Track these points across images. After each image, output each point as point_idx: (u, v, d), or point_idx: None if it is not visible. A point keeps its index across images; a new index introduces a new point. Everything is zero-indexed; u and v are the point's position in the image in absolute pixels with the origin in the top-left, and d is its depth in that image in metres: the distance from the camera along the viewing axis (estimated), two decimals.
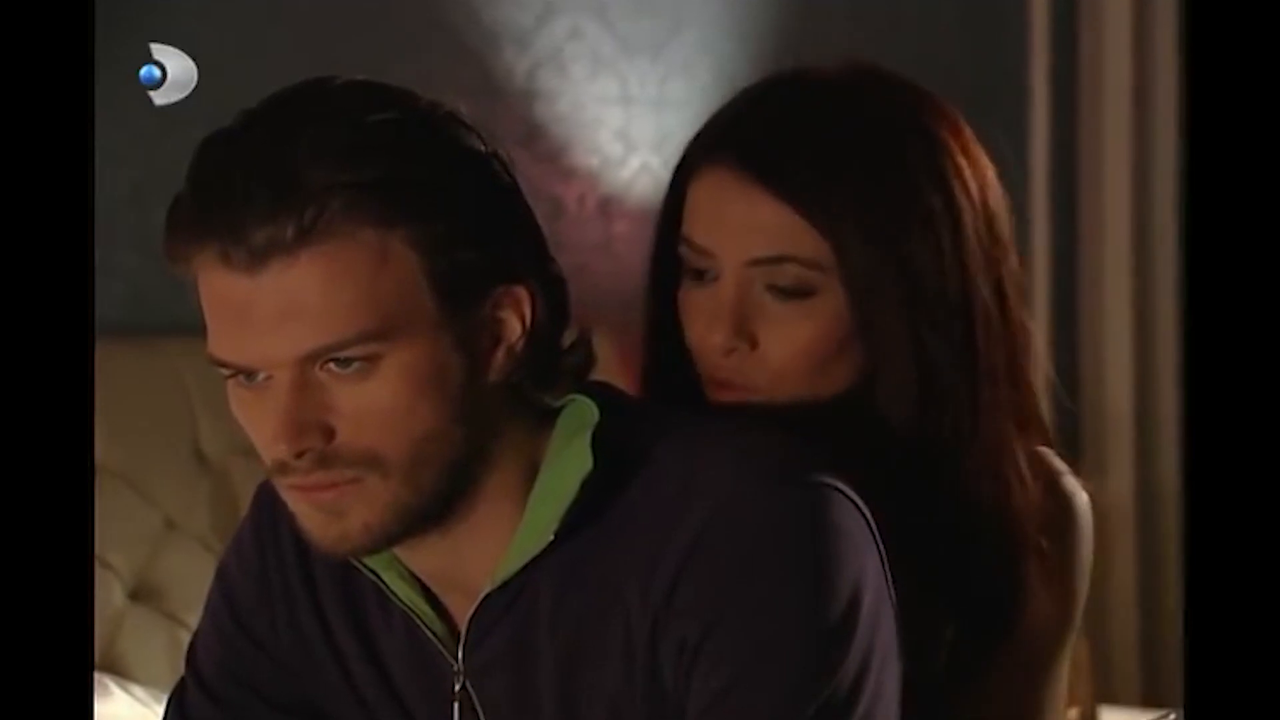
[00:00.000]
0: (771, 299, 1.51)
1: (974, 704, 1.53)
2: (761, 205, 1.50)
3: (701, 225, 1.53)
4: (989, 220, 1.53)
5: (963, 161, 1.53)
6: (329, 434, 1.33)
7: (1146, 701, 3.86)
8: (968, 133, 1.55)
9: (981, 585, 1.52)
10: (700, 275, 1.53)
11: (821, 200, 1.49)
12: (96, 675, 2.81)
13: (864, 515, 1.38)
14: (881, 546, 1.38)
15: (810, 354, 1.51)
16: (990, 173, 1.55)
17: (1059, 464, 1.59)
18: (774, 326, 1.50)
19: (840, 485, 1.37)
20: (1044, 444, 1.58)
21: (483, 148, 1.38)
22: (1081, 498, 1.59)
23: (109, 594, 2.96)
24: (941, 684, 1.50)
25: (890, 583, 1.38)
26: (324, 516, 1.35)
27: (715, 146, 1.53)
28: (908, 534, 1.43)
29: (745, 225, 1.50)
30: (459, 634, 1.43)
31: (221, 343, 1.34)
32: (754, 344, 1.51)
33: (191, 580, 2.91)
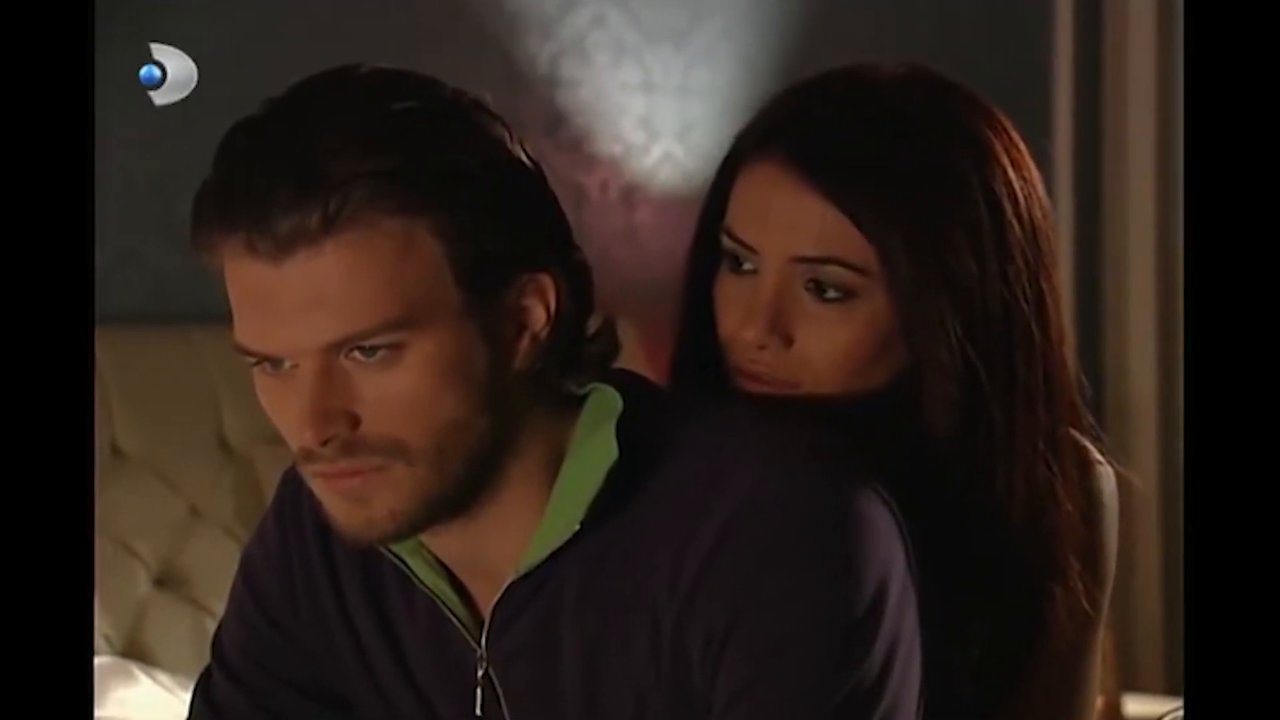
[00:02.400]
0: (811, 298, 1.49)
1: (1010, 702, 1.52)
2: (809, 204, 1.48)
3: (746, 218, 1.52)
4: (1034, 235, 1.51)
5: (1013, 174, 1.51)
6: (354, 422, 1.33)
7: (1170, 690, 3.86)
8: (1020, 145, 1.53)
9: (1011, 593, 1.51)
10: (739, 267, 1.52)
11: (871, 205, 1.47)
12: (122, 662, 2.82)
13: (890, 508, 1.37)
14: (908, 540, 1.38)
15: (848, 356, 1.49)
16: (1039, 187, 1.53)
17: (1094, 455, 1.58)
18: (811, 326, 1.49)
19: (867, 477, 1.37)
20: (1083, 441, 1.57)
21: (507, 136, 1.38)
22: (1110, 487, 1.59)
23: (134, 581, 2.98)
24: (975, 682, 1.49)
25: (916, 576, 1.38)
26: (350, 504, 1.36)
27: (765, 140, 1.51)
28: (937, 536, 1.43)
29: (791, 222, 1.49)
30: (483, 621, 1.43)
31: (247, 331, 1.34)
32: (788, 342, 1.50)
33: (216, 567, 2.92)
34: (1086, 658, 1.58)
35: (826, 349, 1.49)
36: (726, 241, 1.52)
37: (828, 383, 1.50)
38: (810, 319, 1.50)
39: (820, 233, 1.48)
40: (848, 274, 1.48)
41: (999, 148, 1.51)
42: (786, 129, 1.51)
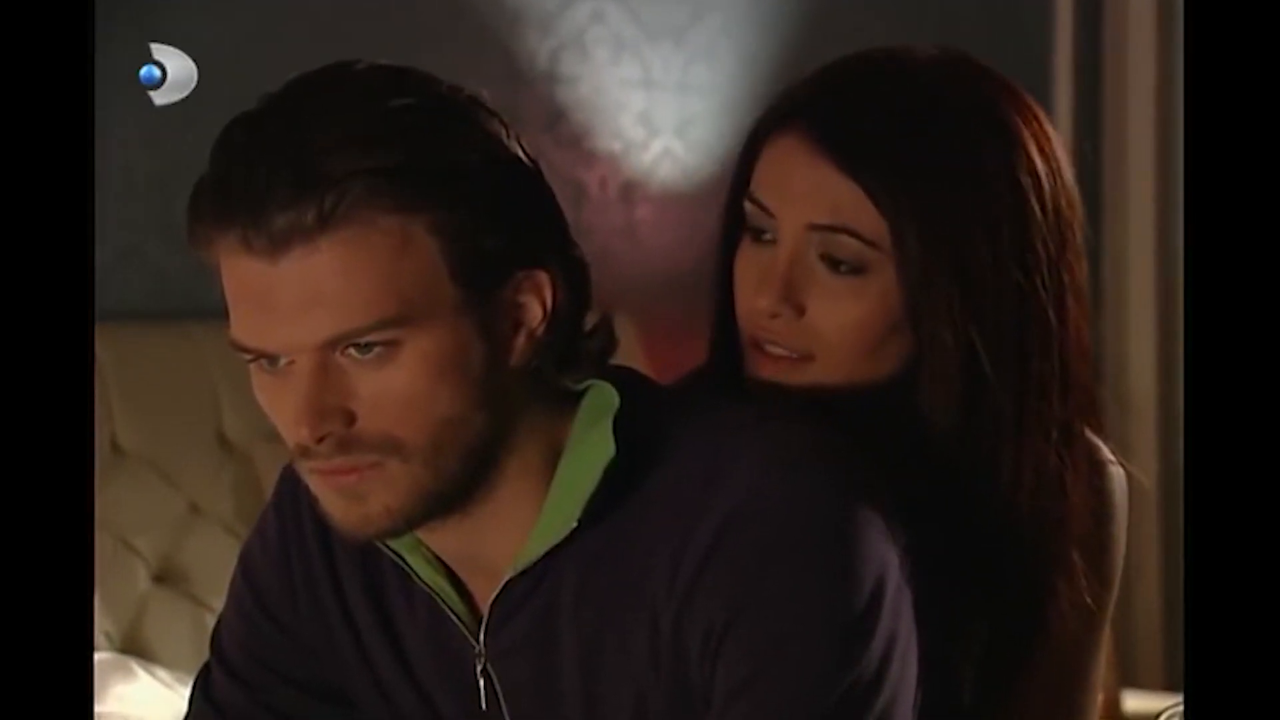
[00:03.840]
0: (825, 269, 1.50)
1: (1012, 699, 1.52)
2: (826, 173, 1.49)
3: (766, 185, 1.52)
4: (1058, 226, 1.51)
5: (1039, 163, 1.50)
6: (350, 419, 1.33)
7: (1168, 686, 3.86)
8: (1051, 135, 1.53)
9: (1014, 588, 1.51)
10: (759, 236, 1.52)
11: (886, 179, 1.47)
12: (121, 658, 2.82)
13: (889, 504, 1.37)
14: (907, 536, 1.38)
15: (859, 332, 1.49)
16: (1067, 177, 1.52)
17: (1106, 454, 1.57)
18: (823, 298, 1.50)
19: (866, 474, 1.37)
20: (1095, 440, 1.56)
21: (504, 132, 1.38)
22: (1120, 488, 1.58)
23: (134, 578, 2.98)
24: (978, 681, 1.49)
25: (915, 573, 1.38)
26: (346, 500, 1.36)
27: (790, 114, 1.52)
28: (940, 531, 1.43)
29: (808, 190, 1.49)
30: (482, 617, 1.43)
31: (244, 328, 1.34)
32: (801, 311, 1.50)
33: (215, 564, 2.92)
34: (1091, 656, 1.58)
35: (838, 322, 1.50)
36: (748, 207, 1.53)
37: (838, 358, 1.50)
38: (824, 290, 1.50)
39: (834, 203, 1.49)
40: (860, 246, 1.49)
41: (1026, 135, 1.51)
42: (811, 103, 1.52)
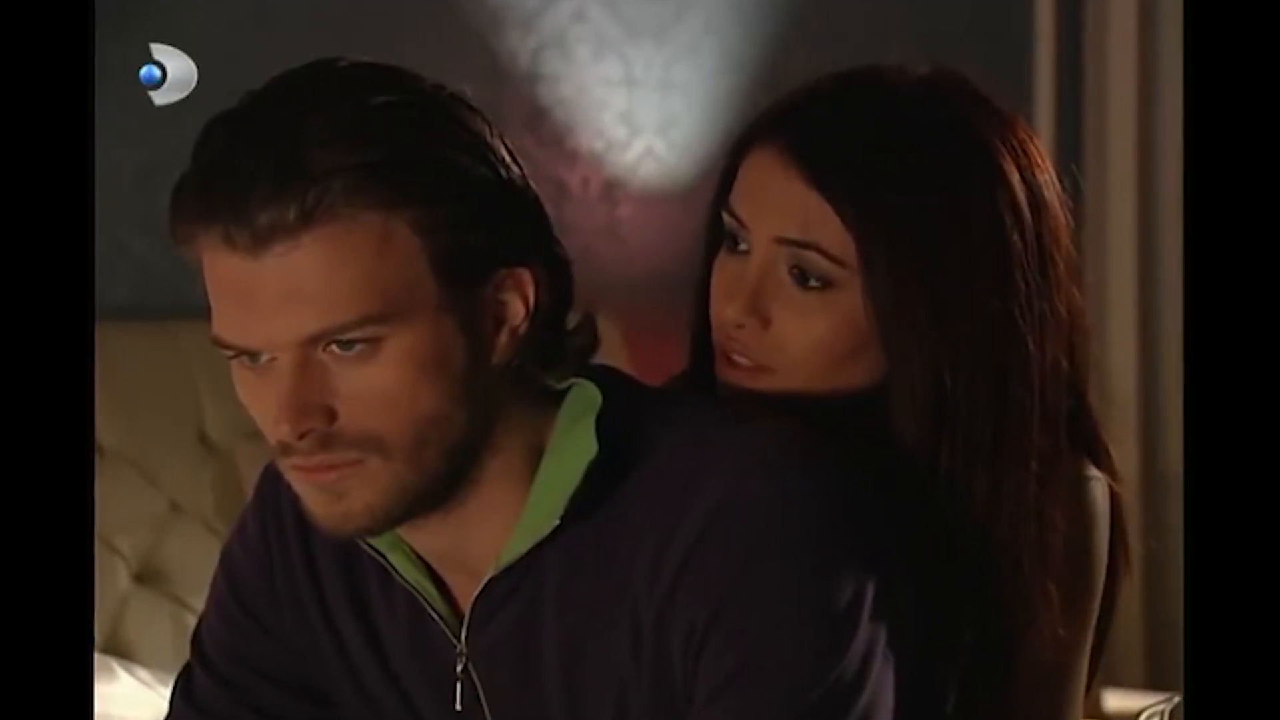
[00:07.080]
0: (793, 284, 1.50)
1: (998, 707, 1.52)
2: (797, 188, 1.49)
3: (742, 197, 1.53)
4: (1041, 255, 1.50)
5: (1020, 191, 1.49)
6: (331, 416, 1.33)
7: (1150, 685, 3.87)
8: (1040, 162, 1.51)
9: (990, 613, 1.50)
10: (735, 248, 1.53)
11: (854, 197, 1.47)
12: (102, 658, 2.81)
13: (871, 504, 1.38)
14: (888, 538, 1.38)
15: (822, 347, 1.50)
16: (1055, 209, 1.51)
17: (1089, 470, 1.57)
18: (790, 312, 1.50)
19: (847, 474, 1.37)
20: (1078, 459, 1.56)
21: (487, 130, 1.38)
22: (1101, 498, 1.58)
23: (114, 577, 2.97)
24: (962, 690, 1.49)
25: (898, 576, 1.38)
26: (327, 497, 1.36)
27: (771, 128, 1.53)
28: (918, 542, 1.43)
29: (779, 204, 1.50)
30: (463, 616, 1.43)
31: (225, 324, 1.34)
32: (766, 323, 1.50)
33: (196, 563, 2.92)
34: (1075, 663, 1.58)
35: (802, 337, 1.50)
36: (725, 218, 1.54)
37: (800, 371, 1.50)
38: (791, 304, 1.50)
39: (804, 218, 1.49)
40: (826, 263, 1.49)
41: (1007, 161, 1.50)
42: (792, 117, 1.52)
